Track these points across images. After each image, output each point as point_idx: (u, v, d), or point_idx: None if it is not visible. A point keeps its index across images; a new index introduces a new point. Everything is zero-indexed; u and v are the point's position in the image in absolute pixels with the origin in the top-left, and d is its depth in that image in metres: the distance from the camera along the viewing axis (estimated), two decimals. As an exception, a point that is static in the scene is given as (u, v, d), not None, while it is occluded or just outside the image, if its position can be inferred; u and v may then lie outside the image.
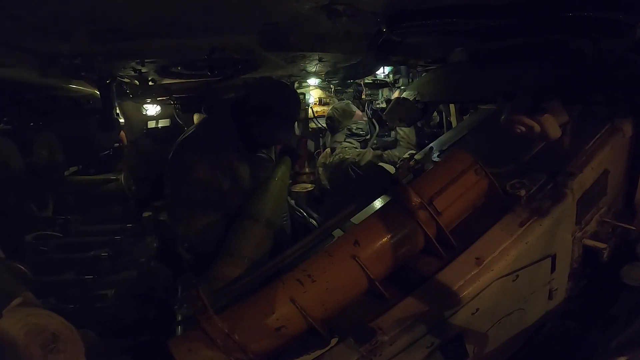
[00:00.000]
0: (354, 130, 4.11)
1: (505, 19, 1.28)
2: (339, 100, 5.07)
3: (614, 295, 1.44)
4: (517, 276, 1.27)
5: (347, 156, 3.86)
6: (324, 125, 5.17)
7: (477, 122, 2.17)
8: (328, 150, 4.18)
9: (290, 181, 3.03)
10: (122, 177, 3.63)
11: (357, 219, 1.64)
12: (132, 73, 1.94)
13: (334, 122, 4.11)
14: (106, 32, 1.29)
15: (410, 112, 2.59)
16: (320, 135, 5.31)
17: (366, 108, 4.31)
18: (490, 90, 1.97)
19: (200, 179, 1.96)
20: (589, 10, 1.19)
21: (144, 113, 4.09)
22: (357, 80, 4.01)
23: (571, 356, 1.43)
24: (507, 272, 1.25)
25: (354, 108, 4.22)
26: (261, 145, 2.16)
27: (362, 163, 3.75)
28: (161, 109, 4.12)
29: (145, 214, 3.80)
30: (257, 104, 1.94)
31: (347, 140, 4.06)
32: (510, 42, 1.75)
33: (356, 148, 3.97)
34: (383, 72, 3.76)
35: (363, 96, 4.56)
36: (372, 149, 3.88)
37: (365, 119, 4.22)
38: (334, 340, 1.19)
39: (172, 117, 4.24)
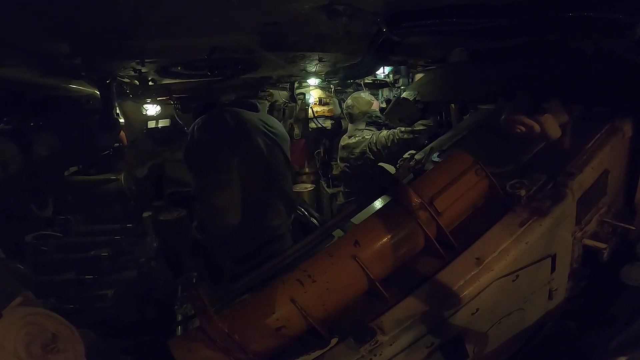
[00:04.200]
0: (373, 118, 4.20)
1: (505, 19, 1.28)
2: (339, 100, 5.09)
3: (614, 295, 1.44)
4: (517, 276, 1.27)
5: (366, 137, 4.05)
6: (324, 125, 5.20)
7: (477, 122, 2.17)
8: (345, 137, 4.27)
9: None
10: (122, 177, 3.63)
11: (357, 219, 1.64)
12: (132, 73, 1.94)
13: (355, 111, 4.18)
14: (106, 32, 1.29)
15: (410, 112, 2.59)
16: (320, 134, 5.32)
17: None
18: (490, 90, 1.97)
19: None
20: (589, 10, 1.19)
21: (144, 113, 4.09)
22: (357, 80, 4.02)
23: (571, 356, 1.43)
24: (507, 272, 1.25)
25: (371, 97, 4.30)
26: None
27: (376, 141, 3.91)
28: (161, 109, 4.12)
29: (145, 214, 3.80)
30: None
31: (367, 128, 4.14)
32: (510, 42, 1.75)
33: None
34: (383, 72, 3.76)
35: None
36: None
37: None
38: (334, 340, 1.19)
39: (172, 117, 4.24)
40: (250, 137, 2.72)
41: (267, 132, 2.82)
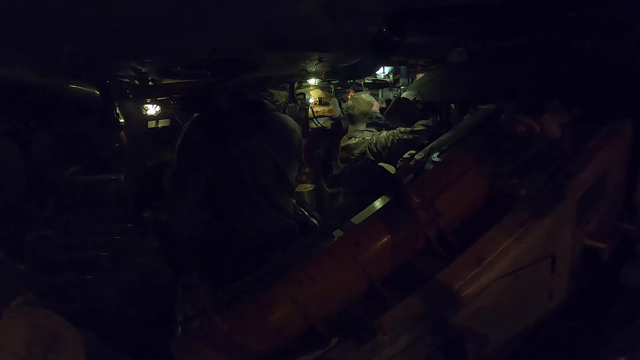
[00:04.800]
0: (373, 119, 4.22)
1: (505, 19, 1.28)
2: (339, 100, 5.10)
3: (614, 295, 1.44)
4: (517, 276, 1.27)
5: (366, 137, 4.06)
6: (324, 125, 5.21)
7: (477, 122, 2.17)
8: (346, 137, 4.30)
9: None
10: (122, 177, 3.62)
11: (357, 219, 1.64)
12: (132, 73, 1.94)
13: (355, 112, 4.19)
14: (106, 32, 1.29)
15: (410, 112, 2.59)
16: (320, 134, 5.32)
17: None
18: (490, 90, 1.97)
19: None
20: (589, 10, 1.20)
21: (144, 113, 4.09)
22: (357, 80, 4.03)
23: (571, 356, 1.43)
24: (507, 272, 1.25)
25: (372, 98, 4.31)
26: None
27: (376, 142, 3.93)
28: (161, 109, 4.12)
29: (145, 214, 3.80)
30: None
31: (367, 129, 4.16)
32: (510, 42, 1.75)
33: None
34: (383, 72, 3.76)
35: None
36: None
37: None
38: (334, 340, 1.19)
39: (172, 117, 4.23)
40: (227, 145, 2.61)
41: (258, 142, 2.68)
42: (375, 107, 4.30)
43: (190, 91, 3.02)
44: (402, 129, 3.65)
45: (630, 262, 1.36)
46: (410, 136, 3.61)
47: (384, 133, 3.95)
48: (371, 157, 3.99)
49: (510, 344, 1.40)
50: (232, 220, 2.65)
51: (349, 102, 4.28)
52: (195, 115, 2.84)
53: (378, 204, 1.64)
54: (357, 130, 4.20)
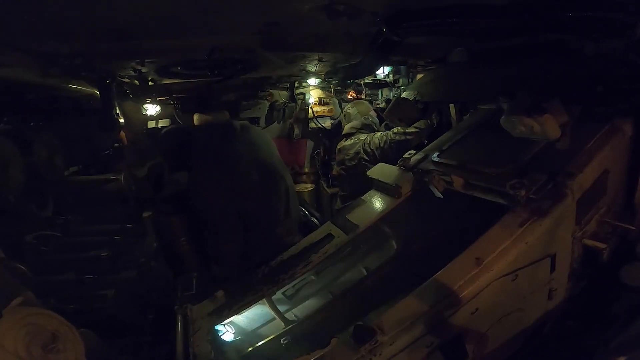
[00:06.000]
0: (369, 120, 4.25)
1: (505, 19, 1.28)
2: (339, 100, 5.12)
3: (614, 295, 1.44)
4: (517, 276, 1.27)
5: (361, 138, 4.07)
6: (324, 125, 5.22)
7: (477, 122, 2.17)
8: (342, 141, 4.34)
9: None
10: (122, 177, 3.62)
11: (356, 218, 1.63)
12: (132, 73, 1.94)
13: (353, 112, 4.23)
14: (106, 32, 1.29)
15: (410, 112, 2.59)
16: (320, 134, 5.33)
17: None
18: (490, 90, 1.97)
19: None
20: (589, 10, 1.19)
21: (144, 113, 4.08)
22: (357, 80, 4.03)
23: (571, 356, 1.43)
24: (507, 272, 1.25)
25: (369, 105, 4.39)
26: None
27: (370, 142, 3.94)
28: (161, 109, 4.12)
29: (145, 214, 3.80)
30: None
31: (361, 130, 4.18)
32: (510, 41, 1.75)
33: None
34: (383, 72, 3.76)
35: (363, 96, 4.60)
36: None
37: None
38: (334, 341, 1.19)
39: (172, 117, 4.23)
40: (264, 152, 2.81)
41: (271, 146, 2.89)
42: (372, 114, 4.36)
43: (190, 91, 3.02)
44: (396, 129, 3.67)
45: (630, 262, 1.36)
46: (403, 137, 3.63)
47: (378, 134, 3.97)
48: (365, 156, 4.01)
49: (510, 343, 1.40)
50: (275, 231, 2.74)
51: (349, 105, 4.33)
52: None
53: (378, 204, 1.64)
54: (352, 127, 4.22)
